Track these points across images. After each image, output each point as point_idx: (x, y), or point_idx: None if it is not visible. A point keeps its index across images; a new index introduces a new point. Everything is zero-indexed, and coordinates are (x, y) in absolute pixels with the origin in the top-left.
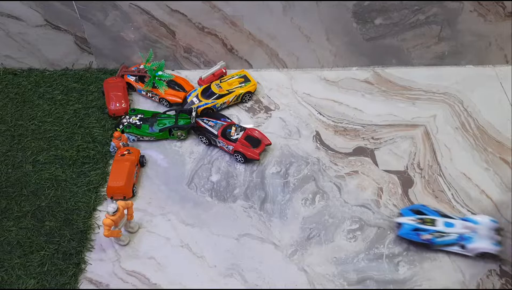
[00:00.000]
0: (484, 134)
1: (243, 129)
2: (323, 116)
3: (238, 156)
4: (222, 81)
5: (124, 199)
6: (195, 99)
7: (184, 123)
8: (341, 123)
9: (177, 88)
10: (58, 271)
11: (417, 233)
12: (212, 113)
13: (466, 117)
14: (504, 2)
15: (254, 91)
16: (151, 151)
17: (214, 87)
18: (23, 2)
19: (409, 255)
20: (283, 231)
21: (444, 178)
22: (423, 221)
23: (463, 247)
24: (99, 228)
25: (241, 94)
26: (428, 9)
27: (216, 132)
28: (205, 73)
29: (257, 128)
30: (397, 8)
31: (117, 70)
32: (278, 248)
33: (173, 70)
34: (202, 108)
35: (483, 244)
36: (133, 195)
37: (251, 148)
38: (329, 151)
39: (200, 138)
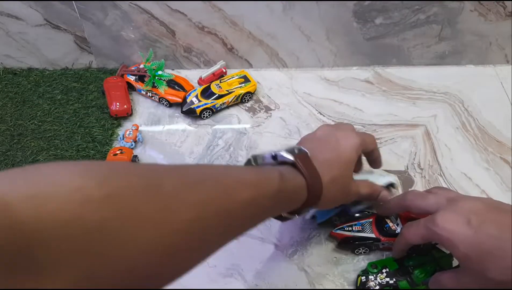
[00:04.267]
0: (485, 134)
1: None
2: (324, 116)
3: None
4: (222, 81)
5: None
6: (194, 99)
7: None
8: None
9: (177, 87)
10: None
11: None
12: (341, 213)
13: (466, 116)
14: (505, 1)
15: (254, 91)
16: (150, 150)
17: (213, 87)
18: (23, 2)
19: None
20: (283, 231)
21: (445, 178)
22: None
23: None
24: None
25: (241, 94)
26: (429, 8)
27: (374, 235)
28: (205, 72)
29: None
30: (398, 8)
31: (116, 69)
32: (278, 248)
33: (173, 69)
34: (201, 108)
35: (378, 182)
36: None
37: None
38: None
39: (357, 251)
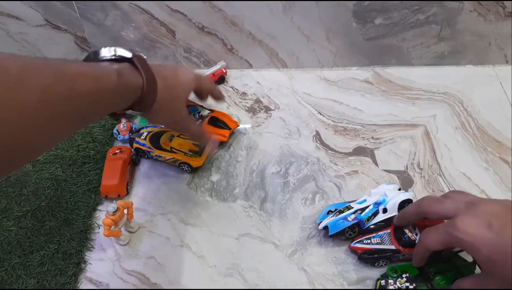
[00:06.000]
0: (484, 134)
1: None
2: (323, 116)
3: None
4: (182, 135)
5: (119, 197)
6: (145, 134)
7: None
8: (341, 123)
9: (220, 124)
10: (58, 271)
11: (342, 220)
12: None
13: (466, 117)
14: (504, 2)
15: (195, 166)
16: None
17: (165, 136)
18: (23, 2)
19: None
20: (283, 231)
21: (444, 178)
22: (341, 211)
23: (385, 210)
24: (99, 228)
25: (179, 161)
26: (428, 9)
27: (394, 246)
28: (205, 72)
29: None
30: (397, 8)
31: None
32: (278, 248)
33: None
34: (139, 145)
35: (396, 197)
36: (127, 193)
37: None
38: (329, 151)
39: (377, 264)
